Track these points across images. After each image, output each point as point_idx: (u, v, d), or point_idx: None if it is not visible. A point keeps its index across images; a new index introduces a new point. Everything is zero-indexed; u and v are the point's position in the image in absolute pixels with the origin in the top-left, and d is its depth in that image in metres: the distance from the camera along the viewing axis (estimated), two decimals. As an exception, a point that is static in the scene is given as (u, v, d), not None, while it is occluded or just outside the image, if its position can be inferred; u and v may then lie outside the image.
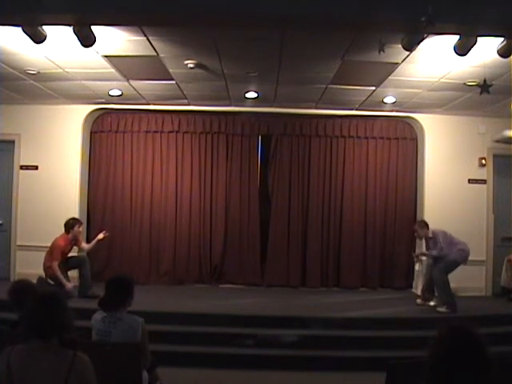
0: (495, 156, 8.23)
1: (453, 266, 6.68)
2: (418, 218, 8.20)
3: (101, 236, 7.31)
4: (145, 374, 3.39)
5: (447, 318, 6.31)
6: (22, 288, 3.24)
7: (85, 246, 7.30)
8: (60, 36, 4.96)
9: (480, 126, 8.17)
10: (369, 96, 7.31)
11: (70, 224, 6.97)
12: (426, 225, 6.96)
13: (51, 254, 6.76)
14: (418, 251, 7.55)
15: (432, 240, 6.79)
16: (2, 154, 8.27)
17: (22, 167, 8.18)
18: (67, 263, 6.95)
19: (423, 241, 7.22)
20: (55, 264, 6.69)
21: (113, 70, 6.28)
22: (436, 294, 6.84)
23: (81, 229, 7.14)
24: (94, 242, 7.35)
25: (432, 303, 6.85)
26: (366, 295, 8.13)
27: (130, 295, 3.56)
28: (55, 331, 2.27)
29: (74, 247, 7.14)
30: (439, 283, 6.69)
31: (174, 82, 6.79)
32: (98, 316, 3.51)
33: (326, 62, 5.86)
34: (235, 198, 8.60)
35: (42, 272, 7.05)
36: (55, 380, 2.18)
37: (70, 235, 6.96)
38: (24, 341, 2.29)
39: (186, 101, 7.92)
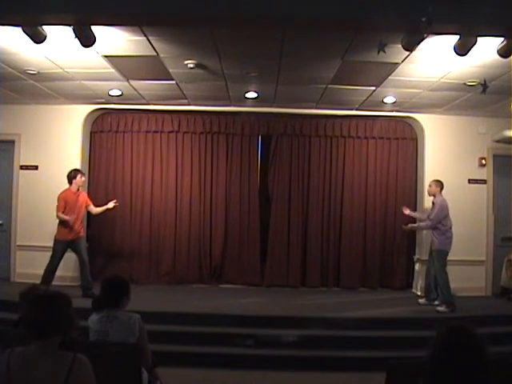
0: (495, 156, 8.23)
1: (444, 257, 6.89)
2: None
3: (111, 205, 7.42)
4: (145, 374, 3.40)
5: (447, 317, 6.33)
6: (31, 292, 3.23)
7: (94, 208, 7.41)
8: (60, 36, 4.95)
9: (480, 126, 8.16)
10: (369, 96, 7.31)
11: (72, 175, 7.10)
12: (441, 186, 7.14)
13: (56, 207, 6.92)
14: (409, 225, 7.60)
15: (434, 206, 7.05)
16: (2, 154, 8.26)
17: (21, 167, 8.18)
18: (73, 246, 7.01)
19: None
20: (59, 214, 6.87)
21: (113, 70, 6.28)
22: (439, 293, 6.92)
23: (83, 178, 7.22)
24: (103, 208, 7.46)
25: (437, 302, 6.90)
26: (365, 295, 8.13)
27: (125, 294, 3.55)
28: (54, 332, 2.26)
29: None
30: (442, 282, 6.76)
31: (174, 81, 6.79)
32: (95, 317, 3.50)
33: (326, 62, 5.86)
34: (235, 198, 8.59)
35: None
36: (55, 382, 2.18)
37: (74, 186, 7.07)
38: (24, 342, 2.28)
39: (186, 101, 7.92)
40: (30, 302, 2.40)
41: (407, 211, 7.46)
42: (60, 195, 7.00)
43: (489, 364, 1.88)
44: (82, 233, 7.21)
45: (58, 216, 6.89)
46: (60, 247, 6.94)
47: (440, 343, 1.93)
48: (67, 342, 2.31)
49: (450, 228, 6.94)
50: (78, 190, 7.16)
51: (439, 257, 6.88)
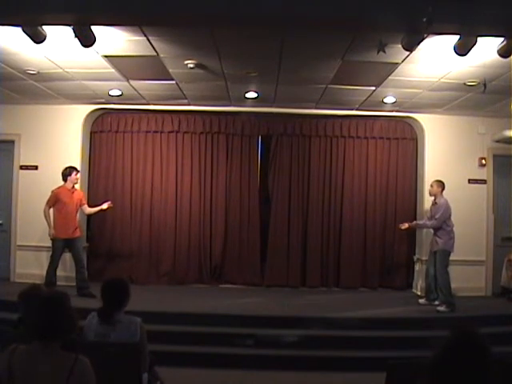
0: (495, 156, 8.22)
1: (447, 257, 6.93)
2: (418, 217, 8.21)
3: (105, 206, 7.43)
4: (145, 374, 3.39)
5: (447, 317, 6.33)
6: (31, 292, 3.22)
7: (87, 208, 7.43)
8: (60, 36, 4.95)
9: (480, 126, 8.16)
10: (369, 96, 7.31)
11: (67, 172, 7.12)
12: (443, 186, 7.15)
13: (46, 201, 7.00)
14: (414, 222, 7.67)
15: (436, 206, 7.07)
16: (2, 154, 8.25)
17: (21, 167, 8.17)
18: (70, 246, 7.02)
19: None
20: (46, 208, 6.98)
21: (113, 70, 6.28)
22: (439, 293, 6.92)
23: (78, 176, 7.22)
24: (97, 208, 7.47)
25: (437, 302, 6.90)
26: (365, 295, 8.13)
27: (127, 296, 3.53)
28: (57, 334, 2.27)
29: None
30: (443, 282, 6.77)
31: (174, 82, 6.79)
32: (95, 319, 3.49)
33: (325, 62, 5.86)
34: (235, 198, 8.59)
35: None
36: (56, 381, 2.18)
37: (69, 183, 7.10)
38: (24, 342, 2.28)
39: (186, 101, 7.92)
40: (35, 303, 2.40)
41: (405, 225, 7.40)
42: (53, 191, 7.06)
43: (491, 368, 1.88)
44: (79, 233, 7.20)
45: (44, 210, 6.96)
46: (59, 245, 6.96)
47: (448, 346, 1.92)
48: (68, 342, 2.31)
49: (452, 228, 6.96)
50: (73, 187, 7.17)
51: (443, 257, 6.88)
